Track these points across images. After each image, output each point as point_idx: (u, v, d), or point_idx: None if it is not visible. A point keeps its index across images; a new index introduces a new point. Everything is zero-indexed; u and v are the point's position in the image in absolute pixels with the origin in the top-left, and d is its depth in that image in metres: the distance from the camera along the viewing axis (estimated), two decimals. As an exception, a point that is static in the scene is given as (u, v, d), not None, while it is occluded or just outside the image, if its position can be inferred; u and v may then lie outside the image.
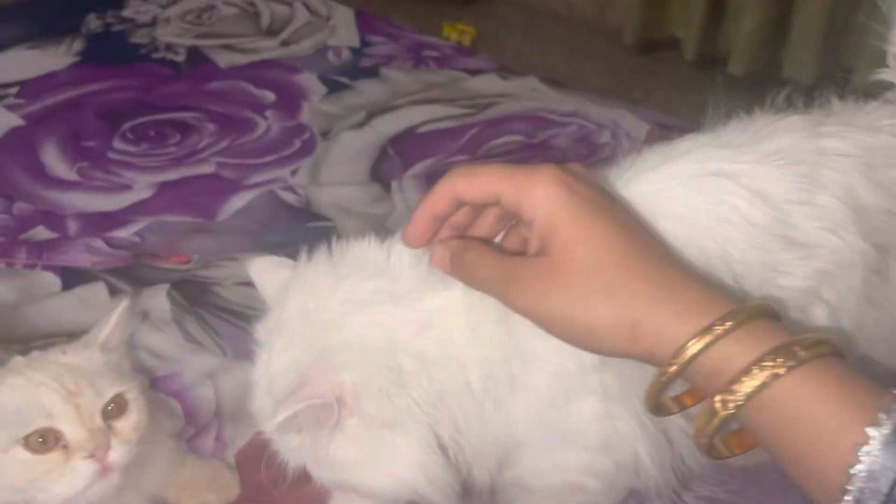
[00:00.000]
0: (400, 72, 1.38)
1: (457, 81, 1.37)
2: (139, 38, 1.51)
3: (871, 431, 0.33)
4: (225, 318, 0.88)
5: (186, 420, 0.76)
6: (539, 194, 0.41)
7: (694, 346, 0.37)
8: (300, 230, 1.03)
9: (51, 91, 1.32)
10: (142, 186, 1.09)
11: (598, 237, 0.40)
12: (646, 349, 0.39)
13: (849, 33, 1.31)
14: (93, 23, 1.56)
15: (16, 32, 1.49)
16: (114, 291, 0.91)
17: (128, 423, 0.55)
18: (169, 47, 1.48)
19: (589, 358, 0.48)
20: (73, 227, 1.02)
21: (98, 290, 0.91)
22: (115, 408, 0.55)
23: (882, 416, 0.34)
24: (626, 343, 0.39)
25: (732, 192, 0.50)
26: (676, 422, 0.53)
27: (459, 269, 0.45)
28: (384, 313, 0.50)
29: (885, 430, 0.33)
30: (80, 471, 0.50)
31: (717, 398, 0.36)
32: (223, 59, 1.43)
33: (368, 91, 1.32)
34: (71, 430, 0.50)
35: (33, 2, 1.60)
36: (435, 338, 0.50)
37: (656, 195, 0.49)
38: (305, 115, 1.28)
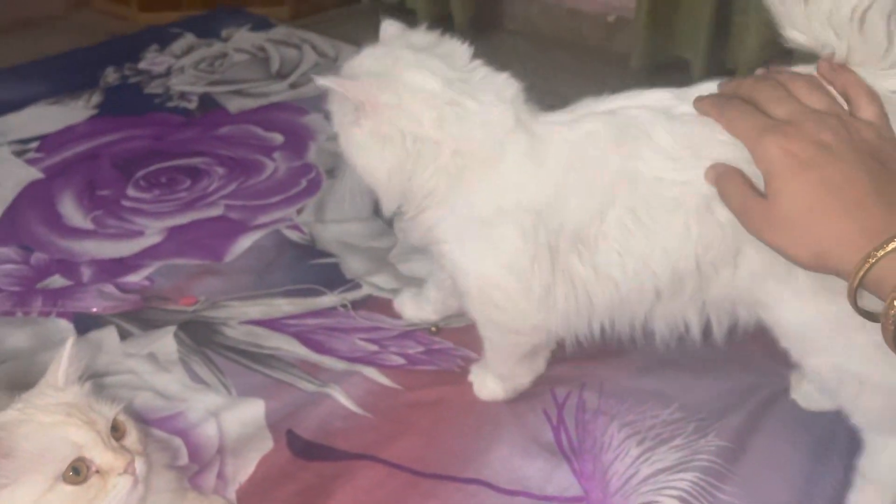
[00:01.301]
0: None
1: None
2: (154, 88, 1.57)
3: None
4: (230, 356, 0.90)
5: (190, 458, 0.78)
6: (761, 152, 0.56)
7: (863, 266, 0.50)
8: (304, 268, 1.05)
9: (69, 144, 1.38)
10: (153, 232, 1.13)
11: (793, 192, 0.54)
12: (832, 268, 0.53)
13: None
14: (110, 76, 1.63)
15: (38, 89, 1.56)
16: (124, 335, 0.94)
17: (133, 439, 0.59)
18: (182, 95, 1.53)
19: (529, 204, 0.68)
20: (86, 273, 1.06)
21: (109, 334, 0.94)
22: (117, 430, 0.59)
23: None
24: (818, 266, 0.54)
25: None
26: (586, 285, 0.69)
27: (723, 190, 0.60)
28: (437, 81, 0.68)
29: None
30: (120, 488, 0.55)
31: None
32: (234, 105, 1.48)
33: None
34: (99, 456, 0.55)
35: (56, 58, 1.68)
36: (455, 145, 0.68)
37: None
38: (312, 155, 1.31)
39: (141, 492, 0.57)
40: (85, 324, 0.96)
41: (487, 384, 0.83)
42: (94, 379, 0.64)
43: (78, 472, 0.54)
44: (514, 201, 0.69)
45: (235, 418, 0.82)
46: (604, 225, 0.67)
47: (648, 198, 0.65)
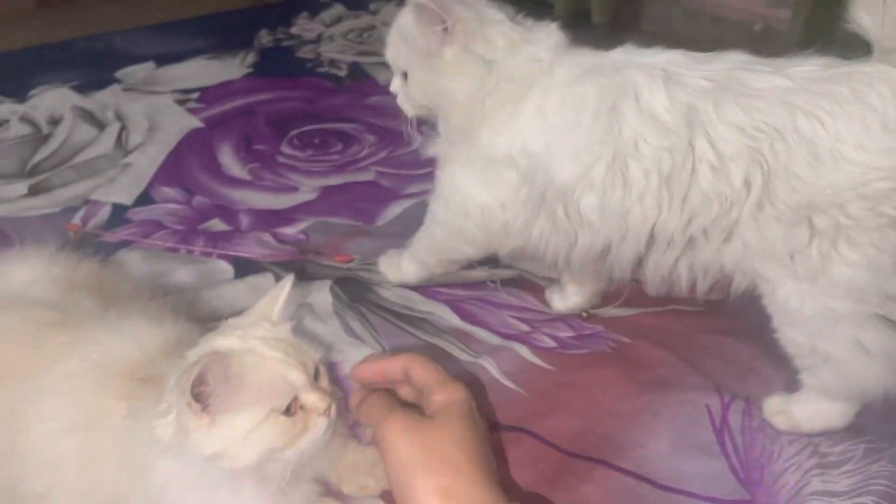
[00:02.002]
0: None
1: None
2: (306, 53, 1.61)
3: None
4: (383, 316, 0.91)
5: (346, 408, 0.79)
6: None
7: None
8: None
9: (226, 98, 1.43)
10: (307, 189, 1.16)
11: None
12: None
13: None
14: (264, 38, 1.68)
15: (197, 44, 1.63)
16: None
17: (326, 382, 0.61)
18: (332, 62, 1.57)
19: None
20: (244, 221, 1.09)
21: (267, 280, 0.97)
22: (316, 372, 0.60)
23: None
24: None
25: None
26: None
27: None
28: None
29: None
30: (320, 426, 0.58)
31: None
32: (382, 76, 1.50)
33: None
34: (306, 396, 0.57)
35: (214, 16, 1.75)
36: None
37: None
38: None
39: (330, 433, 0.59)
40: (243, 268, 0.99)
41: (403, 267, 0.96)
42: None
43: (289, 408, 0.56)
44: (520, 148, 0.77)
45: (390, 375, 0.82)
46: (588, 179, 0.73)
47: (628, 158, 0.71)
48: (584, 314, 0.92)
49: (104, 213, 1.10)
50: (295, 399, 0.57)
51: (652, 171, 0.70)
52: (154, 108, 1.39)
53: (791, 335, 0.72)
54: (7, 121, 1.36)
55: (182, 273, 0.98)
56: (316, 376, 0.60)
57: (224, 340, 0.57)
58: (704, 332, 0.89)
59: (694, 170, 0.68)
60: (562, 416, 0.78)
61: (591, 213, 0.75)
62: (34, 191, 1.16)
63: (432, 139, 0.87)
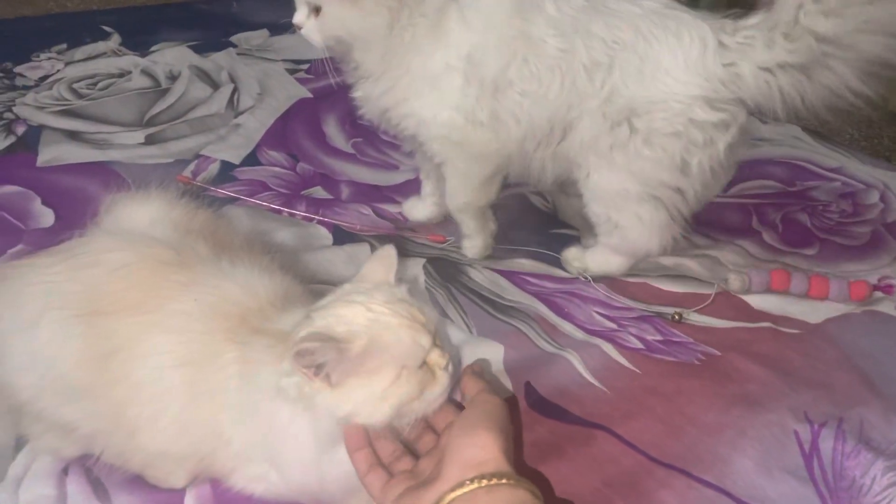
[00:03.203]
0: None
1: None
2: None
3: None
4: (473, 298, 0.92)
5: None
6: None
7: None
8: (544, 234, 1.06)
9: (331, 74, 1.45)
10: (407, 169, 1.18)
11: None
12: None
13: None
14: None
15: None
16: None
17: (442, 341, 0.63)
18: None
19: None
20: (345, 192, 1.12)
21: (363, 250, 0.99)
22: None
23: None
24: None
25: None
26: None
27: None
28: None
29: None
30: (444, 381, 0.60)
31: None
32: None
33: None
34: (430, 354, 0.60)
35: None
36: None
37: None
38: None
39: (451, 388, 0.61)
40: (341, 236, 1.02)
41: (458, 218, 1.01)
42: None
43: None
44: (455, 56, 0.87)
45: (476, 354, 0.83)
46: (509, 73, 0.87)
47: (537, 56, 0.86)
48: (676, 316, 0.91)
49: (213, 168, 1.15)
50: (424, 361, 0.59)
51: (554, 68, 0.86)
52: (266, 74, 1.43)
53: (595, 209, 0.94)
54: (130, 72, 1.42)
55: (284, 234, 1.01)
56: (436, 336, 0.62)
57: (347, 311, 0.59)
58: (799, 353, 0.86)
59: (574, 69, 0.85)
60: (644, 420, 0.78)
61: (514, 102, 0.88)
62: (150, 140, 1.22)
63: (354, 82, 0.94)
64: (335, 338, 0.56)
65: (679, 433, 0.76)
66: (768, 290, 0.95)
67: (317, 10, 0.86)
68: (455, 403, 0.64)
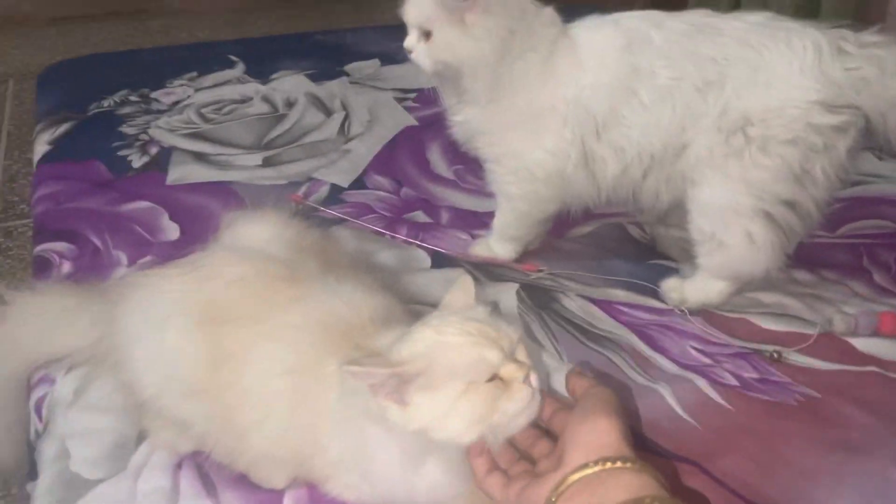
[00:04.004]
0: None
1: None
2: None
3: None
4: (564, 326, 0.94)
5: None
6: None
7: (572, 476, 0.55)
8: (641, 265, 1.06)
9: (438, 102, 1.51)
10: (505, 195, 1.21)
11: None
12: None
13: None
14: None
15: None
16: (473, 279, 1.01)
17: (523, 354, 0.63)
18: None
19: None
20: (445, 217, 1.16)
21: (459, 275, 1.01)
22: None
23: None
24: None
25: None
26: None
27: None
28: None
29: None
30: (524, 394, 0.60)
31: None
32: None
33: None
34: (503, 369, 0.61)
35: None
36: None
37: None
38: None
39: (539, 402, 0.62)
40: (440, 260, 1.06)
41: (494, 248, 1.04)
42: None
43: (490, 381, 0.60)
44: (561, 98, 0.90)
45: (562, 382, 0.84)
46: (621, 110, 0.89)
47: (648, 88, 0.88)
48: (775, 355, 0.89)
49: (323, 190, 1.22)
50: (496, 375, 0.60)
51: (666, 96, 0.87)
52: (375, 102, 1.50)
53: (702, 224, 0.92)
54: (251, 98, 1.53)
55: (385, 255, 1.06)
56: (514, 352, 0.63)
57: (418, 334, 0.62)
58: (907, 402, 0.83)
59: (687, 93, 0.87)
60: (737, 459, 0.76)
61: (620, 134, 0.90)
62: (267, 163, 1.30)
63: (456, 107, 0.96)
64: (386, 361, 0.59)
65: (772, 474, 0.75)
66: (876, 333, 0.92)
67: (427, 35, 0.89)
68: (569, 404, 0.65)
